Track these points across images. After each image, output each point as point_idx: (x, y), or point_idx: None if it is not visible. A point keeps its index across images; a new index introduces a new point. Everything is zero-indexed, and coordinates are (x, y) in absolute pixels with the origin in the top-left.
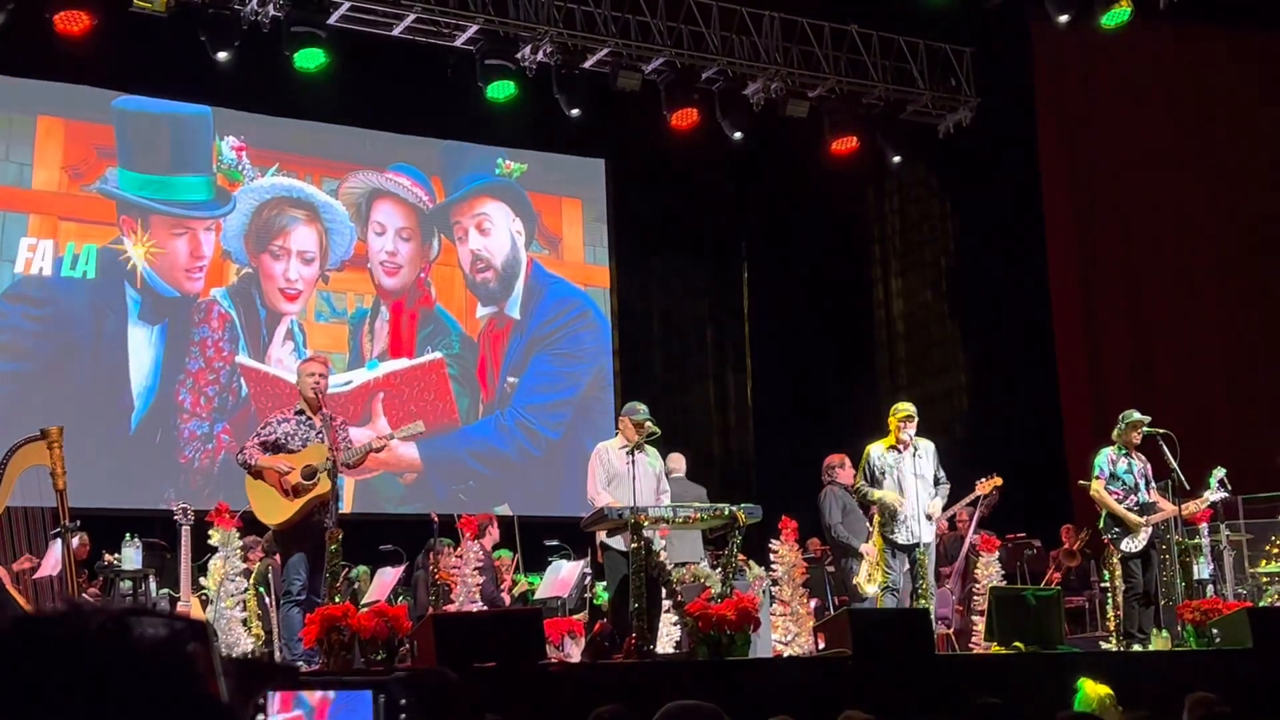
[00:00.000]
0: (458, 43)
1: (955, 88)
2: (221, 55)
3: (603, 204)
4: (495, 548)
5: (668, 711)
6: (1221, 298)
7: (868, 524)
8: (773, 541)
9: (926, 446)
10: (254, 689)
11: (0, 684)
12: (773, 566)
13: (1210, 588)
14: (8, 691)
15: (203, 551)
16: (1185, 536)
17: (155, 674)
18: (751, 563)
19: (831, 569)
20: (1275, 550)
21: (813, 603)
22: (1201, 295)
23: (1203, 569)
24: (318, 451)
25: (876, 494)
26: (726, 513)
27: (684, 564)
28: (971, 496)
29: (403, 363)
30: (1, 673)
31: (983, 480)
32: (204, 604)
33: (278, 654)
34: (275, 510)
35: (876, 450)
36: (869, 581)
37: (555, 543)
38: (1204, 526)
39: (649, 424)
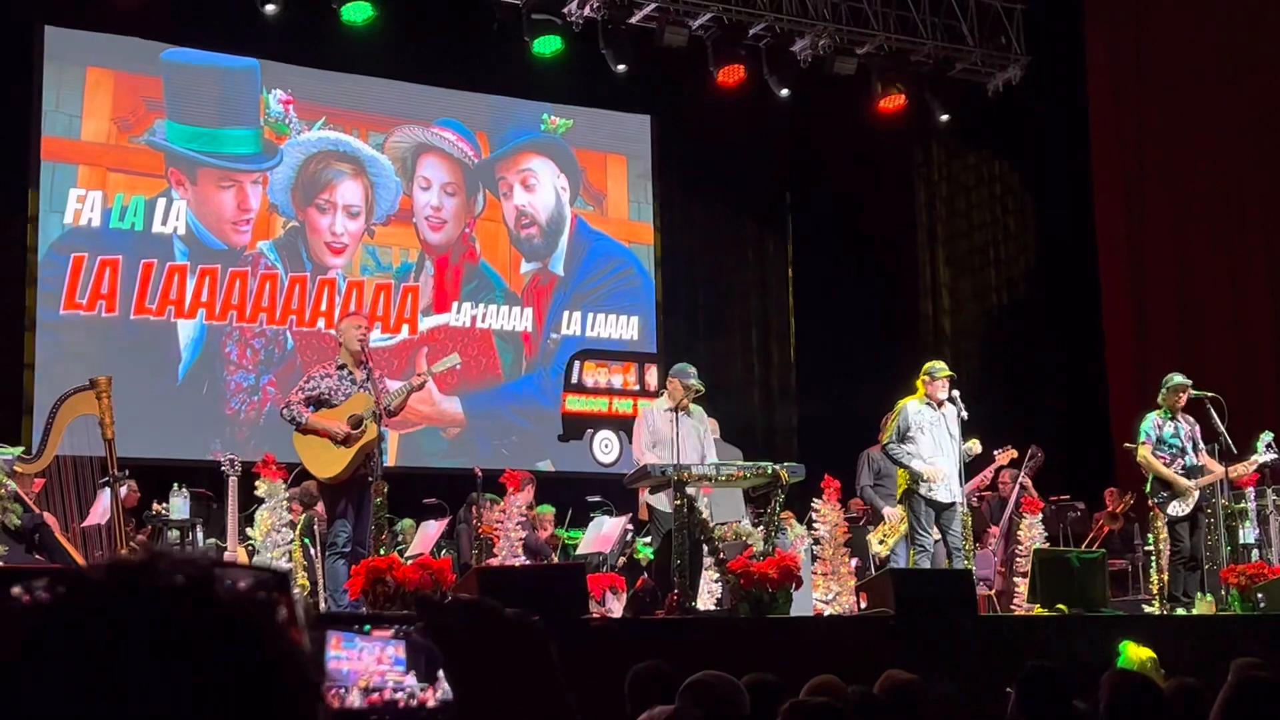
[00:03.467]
0: None
1: (1005, 45)
2: (269, 9)
3: (648, 161)
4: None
5: (692, 682)
6: (1271, 261)
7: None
8: (815, 500)
9: (958, 404)
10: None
11: (93, 634)
12: (814, 525)
13: (1256, 552)
14: (99, 642)
15: (249, 503)
16: (1231, 501)
17: (240, 626)
18: (794, 521)
19: (869, 537)
20: None
21: (854, 562)
22: (1251, 259)
23: (1248, 534)
24: (362, 400)
25: (917, 466)
26: (770, 471)
27: (725, 523)
28: (993, 467)
29: (446, 318)
30: (93, 622)
31: (998, 452)
32: (250, 554)
33: (322, 605)
34: (328, 462)
35: (913, 406)
36: (880, 543)
37: (598, 499)
38: (1250, 491)
39: (696, 384)
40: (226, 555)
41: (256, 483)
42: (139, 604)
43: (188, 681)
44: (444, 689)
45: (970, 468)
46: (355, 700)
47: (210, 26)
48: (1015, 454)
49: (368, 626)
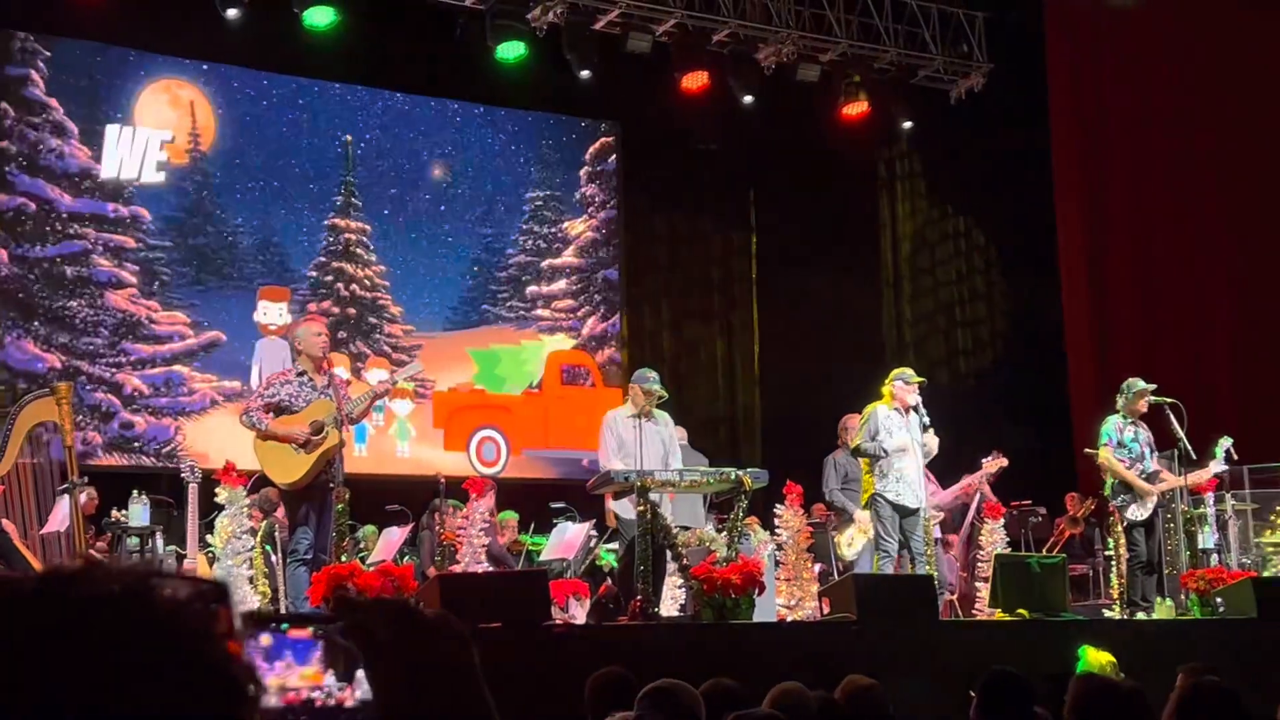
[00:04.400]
0: (468, 1)
1: (967, 53)
2: (231, 13)
3: (612, 166)
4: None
5: (650, 690)
6: (1231, 268)
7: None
8: (777, 506)
9: (921, 411)
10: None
11: (20, 642)
12: (777, 531)
13: (1215, 557)
14: (27, 649)
15: (209, 509)
16: (1190, 506)
17: (177, 636)
18: (757, 526)
19: (836, 539)
20: None
21: (817, 567)
22: (1211, 265)
23: (1207, 538)
24: (324, 406)
25: (890, 445)
26: (733, 477)
27: (687, 528)
28: (979, 475)
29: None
30: (21, 630)
31: (987, 459)
32: (210, 561)
33: (284, 612)
34: (289, 468)
35: (883, 411)
36: (849, 546)
37: (561, 505)
38: (1209, 496)
39: (658, 390)
40: (186, 563)
41: (217, 489)
42: (71, 613)
43: (120, 690)
44: (363, 689)
45: (949, 473)
46: (272, 700)
47: (171, 30)
48: (1005, 462)
49: (285, 625)
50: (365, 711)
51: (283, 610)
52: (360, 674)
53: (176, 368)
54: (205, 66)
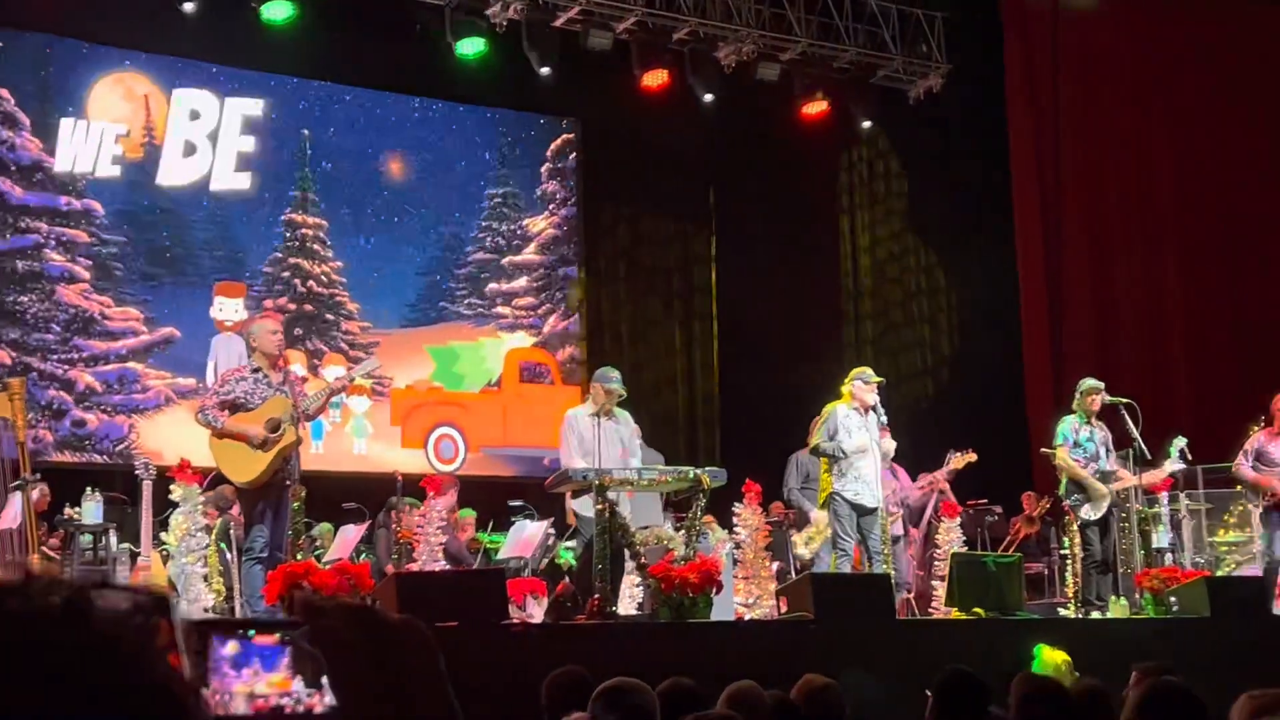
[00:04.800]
0: None
1: (926, 54)
2: (188, 7)
3: (573, 163)
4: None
5: (605, 689)
6: (1184, 269)
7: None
8: (736, 504)
9: (879, 410)
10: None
11: None
12: (736, 529)
13: (1169, 556)
14: None
15: (164, 507)
16: (1145, 505)
17: (114, 649)
18: (715, 525)
19: (793, 533)
20: (1233, 520)
21: (775, 566)
22: (1164, 266)
23: (1162, 538)
24: (280, 404)
25: (849, 445)
26: (691, 475)
27: (645, 527)
28: (947, 470)
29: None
30: None
31: (956, 454)
32: (164, 559)
33: (239, 610)
34: (246, 466)
35: (842, 410)
36: (805, 545)
37: (519, 503)
38: (1164, 495)
39: (619, 389)
40: (140, 560)
41: (171, 486)
42: (8, 626)
43: (56, 710)
44: (331, 694)
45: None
46: (240, 707)
47: (127, 22)
48: (974, 457)
49: (252, 631)
50: (333, 717)
51: (238, 609)
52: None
53: (130, 364)
54: (160, 60)
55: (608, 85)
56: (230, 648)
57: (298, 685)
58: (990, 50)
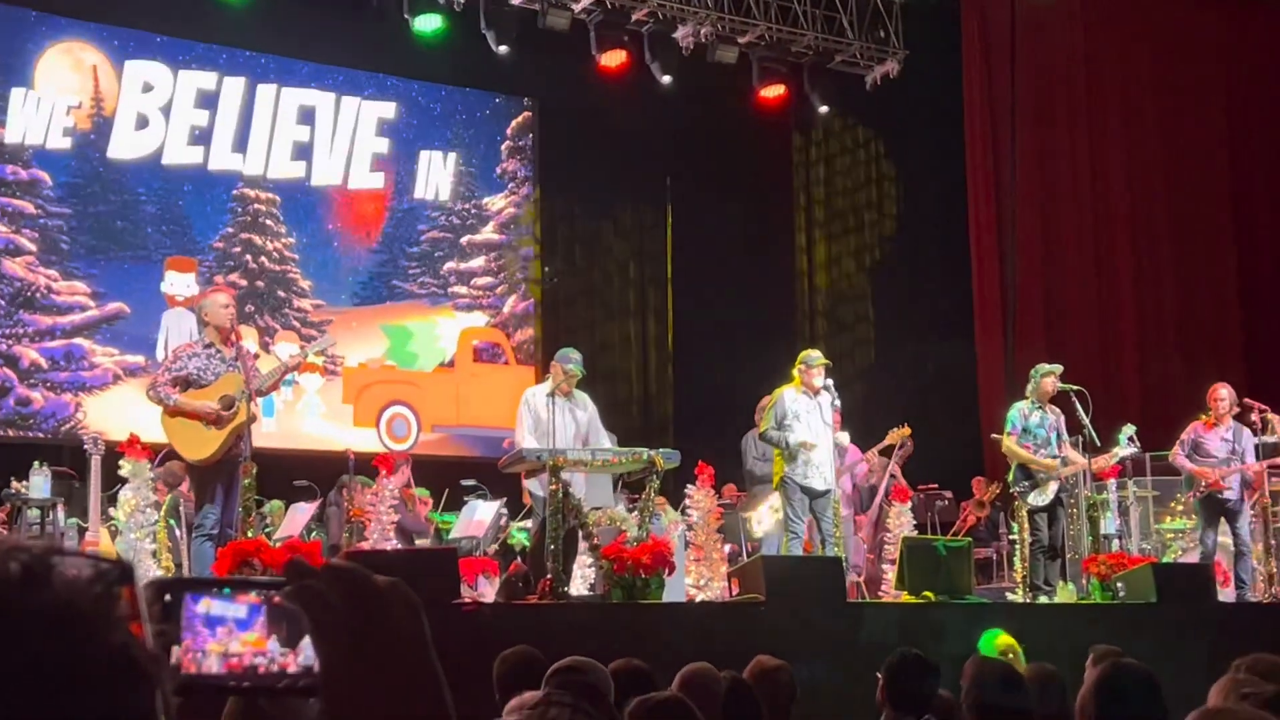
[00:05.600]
0: None
1: (884, 39)
2: None
3: (529, 143)
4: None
5: (559, 668)
6: (1137, 259)
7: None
8: (689, 486)
9: (832, 393)
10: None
11: None
12: (688, 511)
13: (1116, 542)
14: None
15: (113, 482)
16: (1093, 492)
17: (75, 616)
18: (668, 507)
19: (746, 515)
20: (1180, 507)
21: (727, 548)
22: (1116, 255)
23: (1109, 524)
24: (233, 380)
25: (794, 440)
26: (645, 457)
27: (597, 509)
28: (882, 445)
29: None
30: None
31: (893, 430)
32: (113, 535)
33: None
34: (199, 444)
35: (790, 394)
36: (759, 524)
37: (472, 483)
38: (1112, 482)
39: (574, 369)
40: (88, 536)
41: (120, 462)
42: None
43: (14, 678)
44: (306, 654)
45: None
46: (213, 665)
47: None
48: (909, 431)
49: (228, 589)
50: (308, 677)
51: None
52: (305, 640)
53: (77, 340)
54: (110, 30)
55: (565, 66)
56: (204, 605)
57: (273, 645)
58: (948, 37)
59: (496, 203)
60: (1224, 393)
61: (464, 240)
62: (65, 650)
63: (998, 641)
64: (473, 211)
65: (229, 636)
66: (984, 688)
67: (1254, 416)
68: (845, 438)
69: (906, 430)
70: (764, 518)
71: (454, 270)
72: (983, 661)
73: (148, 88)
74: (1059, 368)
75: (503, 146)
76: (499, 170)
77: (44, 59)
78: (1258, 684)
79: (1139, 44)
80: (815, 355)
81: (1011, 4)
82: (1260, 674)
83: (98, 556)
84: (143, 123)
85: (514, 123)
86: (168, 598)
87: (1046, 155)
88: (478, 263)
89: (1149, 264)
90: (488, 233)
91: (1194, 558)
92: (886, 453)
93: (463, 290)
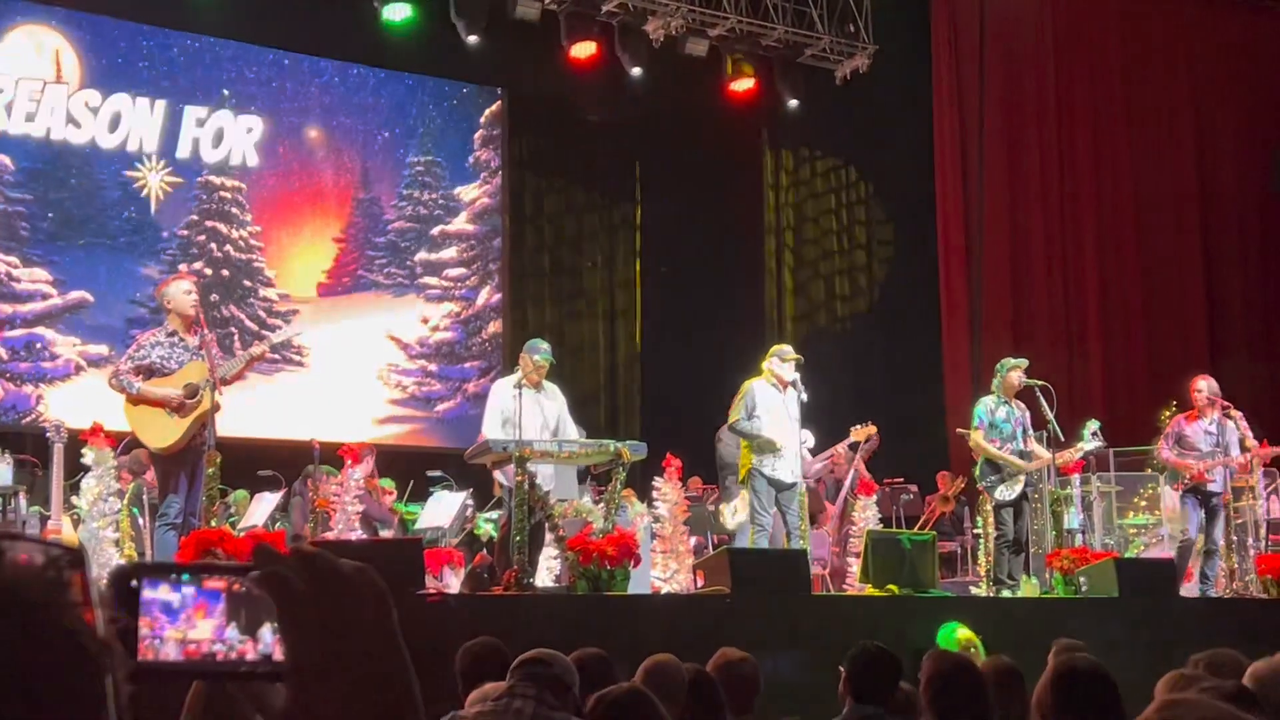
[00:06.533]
0: None
1: (854, 34)
2: None
3: (493, 135)
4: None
5: (524, 660)
6: (1102, 258)
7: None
8: (656, 479)
9: (799, 387)
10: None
11: None
12: (655, 504)
13: (1079, 537)
14: None
15: (76, 470)
16: (1057, 487)
17: (26, 603)
18: (634, 499)
19: (712, 507)
20: (1143, 503)
21: (693, 540)
22: (1082, 252)
23: (1073, 519)
24: (198, 369)
25: (768, 433)
26: (612, 449)
27: (562, 500)
28: (847, 442)
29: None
30: None
31: (857, 427)
32: (75, 523)
33: None
34: (163, 432)
35: (759, 386)
36: (733, 515)
37: (438, 473)
38: (1076, 477)
39: (541, 360)
40: (50, 524)
41: (83, 450)
42: None
43: None
44: (264, 642)
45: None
46: (171, 653)
47: None
48: (874, 429)
49: (186, 575)
50: (266, 665)
51: None
52: (264, 628)
53: (39, 330)
54: (72, 14)
55: (536, 56)
56: (162, 591)
57: (231, 632)
58: (917, 32)
59: (469, 192)
60: (1203, 384)
61: (435, 231)
62: (13, 635)
63: (958, 635)
64: (440, 202)
65: (187, 623)
66: (942, 682)
67: (1217, 413)
68: (809, 437)
69: (872, 428)
70: (738, 508)
71: (425, 261)
72: (940, 656)
73: (111, 72)
74: (1025, 362)
75: (475, 136)
76: (471, 160)
77: (4, 42)
78: (1211, 679)
79: (1107, 37)
80: (787, 349)
81: (979, 2)
82: (1216, 668)
83: (49, 542)
84: (106, 108)
85: (487, 112)
86: (133, 583)
87: (1015, 150)
88: (449, 253)
89: (1114, 260)
90: (460, 223)
91: (1164, 551)
92: (854, 447)
93: (433, 281)
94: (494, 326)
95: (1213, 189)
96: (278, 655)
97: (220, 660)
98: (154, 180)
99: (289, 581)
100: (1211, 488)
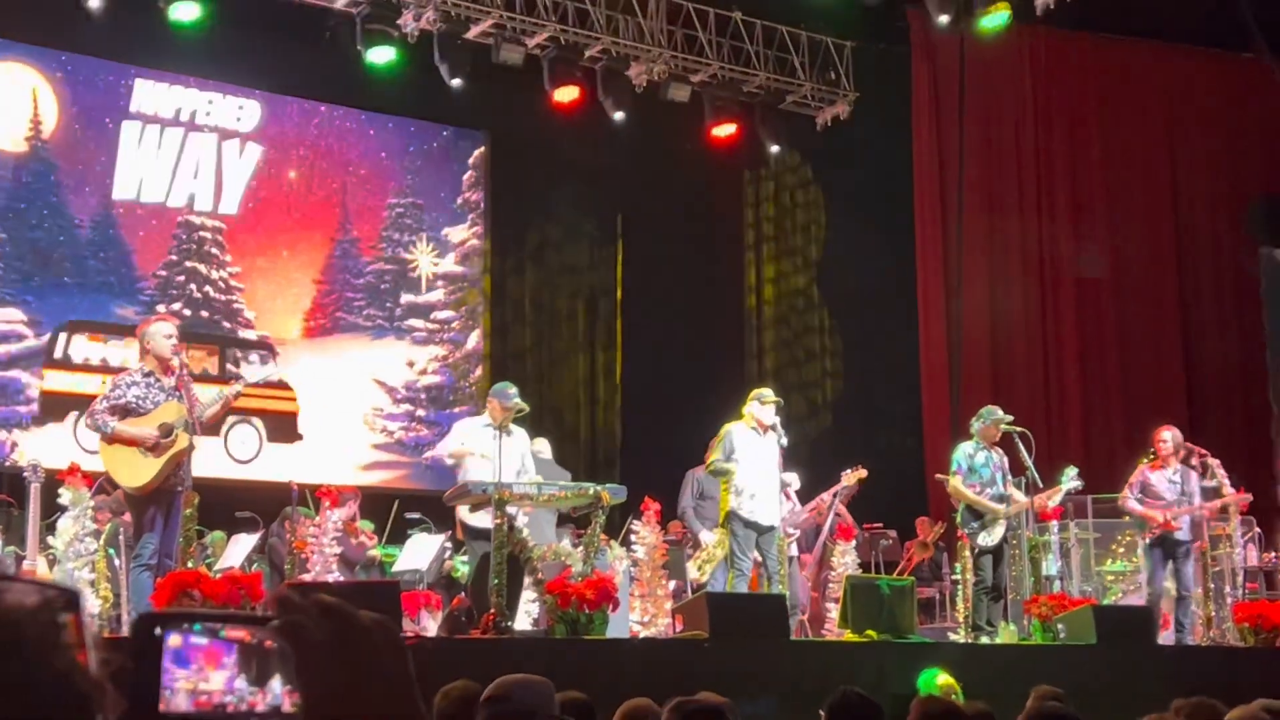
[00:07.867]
0: (338, 4)
1: (835, 81)
2: (93, 4)
3: (481, 177)
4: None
5: (487, 696)
6: (1080, 304)
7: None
8: (634, 522)
9: (779, 431)
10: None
11: None
12: (633, 547)
13: (1057, 583)
14: None
15: (52, 510)
16: (1036, 533)
17: (22, 644)
18: (612, 543)
19: (691, 551)
20: (1120, 549)
21: (672, 584)
22: (1061, 298)
23: (1051, 565)
24: (173, 409)
25: (746, 464)
26: (591, 492)
27: (541, 544)
28: (838, 486)
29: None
30: None
31: (848, 471)
32: (51, 564)
33: (125, 618)
34: (137, 471)
35: (739, 429)
36: (699, 569)
37: (416, 515)
38: (1054, 524)
39: (516, 404)
40: (26, 564)
41: (60, 490)
42: None
43: None
44: (273, 694)
45: (804, 492)
46: (182, 703)
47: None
48: (865, 473)
49: (206, 625)
50: (276, 717)
51: (124, 616)
52: (273, 680)
53: (12, 372)
54: (50, 54)
55: (519, 100)
56: (174, 641)
57: (241, 684)
58: (898, 79)
59: (457, 234)
60: (1167, 435)
61: (416, 273)
62: (8, 676)
63: (938, 681)
64: (422, 244)
65: (198, 674)
66: None
67: (1194, 461)
68: (794, 478)
69: (863, 472)
70: (703, 565)
71: (412, 304)
72: (930, 700)
73: (91, 113)
74: (1009, 417)
75: (464, 178)
76: (460, 201)
77: None
78: None
79: (1086, 85)
80: (768, 393)
81: (961, 49)
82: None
83: (45, 583)
84: (84, 148)
85: (477, 153)
86: (157, 631)
87: (994, 199)
88: (435, 296)
89: (1093, 310)
90: (447, 264)
91: (1137, 599)
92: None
93: (419, 324)
94: (481, 370)
95: (1190, 240)
96: (287, 707)
97: (231, 712)
98: (133, 219)
99: (308, 630)
100: (1179, 535)
